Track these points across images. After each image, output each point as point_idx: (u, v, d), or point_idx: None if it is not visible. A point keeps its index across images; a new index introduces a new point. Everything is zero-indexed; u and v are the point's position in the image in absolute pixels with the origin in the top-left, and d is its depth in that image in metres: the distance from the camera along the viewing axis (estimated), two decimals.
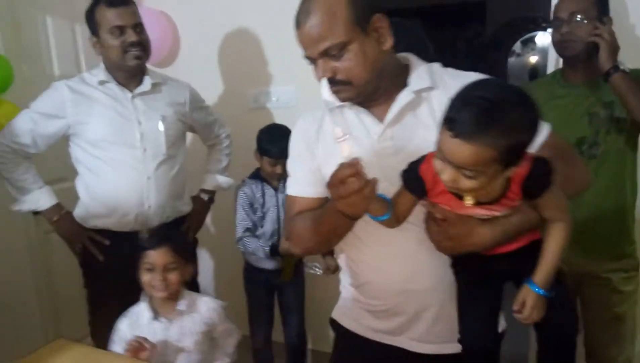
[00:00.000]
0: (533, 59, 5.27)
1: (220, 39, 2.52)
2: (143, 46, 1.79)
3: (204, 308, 1.54)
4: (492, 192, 0.91)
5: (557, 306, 0.99)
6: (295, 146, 1.20)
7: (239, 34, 2.48)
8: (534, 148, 0.96)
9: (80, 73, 2.38)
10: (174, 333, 1.49)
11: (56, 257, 2.34)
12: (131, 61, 1.76)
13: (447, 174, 0.87)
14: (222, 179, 2.18)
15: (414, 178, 0.96)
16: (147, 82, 1.85)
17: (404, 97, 1.06)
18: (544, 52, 5.09)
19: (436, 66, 1.14)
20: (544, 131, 1.03)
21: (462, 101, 0.84)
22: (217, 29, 2.51)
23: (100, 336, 1.88)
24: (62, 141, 1.86)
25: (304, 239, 1.14)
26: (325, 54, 1.01)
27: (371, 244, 1.13)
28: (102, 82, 1.80)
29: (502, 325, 1.14)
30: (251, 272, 2.18)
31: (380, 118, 1.09)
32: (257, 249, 2.04)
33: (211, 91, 2.50)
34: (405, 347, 1.18)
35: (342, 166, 0.88)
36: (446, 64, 1.18)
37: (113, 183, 1.80)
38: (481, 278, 1.03)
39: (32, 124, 1.75)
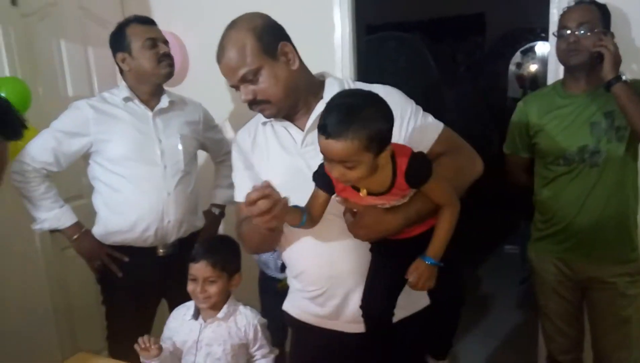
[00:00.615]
0: (533, 68, 5.35)
1: None
2: (172, 60, 1.88)
3: (242, 321, 1.59)
4: (382, 184, 1.08)
5: (447, 281, 1.17)
6: (235, 159, 1.38)
7: None
8: (430, 142, 1.23)
9: (92, 94, 2.47)
10: (206, 336, 1.56)
11: (71, 274, 2.39)
12: (164, 69, 1.86)
13: (335, 171, 1.04)
14: (232, 194, 2.23)
15: (322, 177, 1.12)
16: (164, 100, 1.92)
17: (319, 107, 1.23)
18: (543, 62, 5.17)
19: (347, 81, 1.33)
20: (438, 128, 1.26)
21: (327, 110, 1.03)
22: None
23: (118, 351, 1.92)
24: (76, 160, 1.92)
25: (248, 242, 1.35)
26: (244, 80, 1.20)
27: (301, 236, 1.29)
28: (126, 99, 1.87)
29: (425, 301, 1.32)
30: (265, 281, 2.23)
31: (302, 127, 1.27)
32: (269, 260, 2.10)
33: (218, 108, 2.55)
34: (343, 329, 1.33)
35: (253, 190, 1.03)
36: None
37: (135, 199, 1.85)
38: (392, 259, 1.18)
39: (55, 142, 1.80)
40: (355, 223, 1.17)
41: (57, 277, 2.35)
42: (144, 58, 1.83)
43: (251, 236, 1.31)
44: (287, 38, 1.24)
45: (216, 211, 2.21)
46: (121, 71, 1.92)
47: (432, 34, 4.59)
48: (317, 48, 2.33)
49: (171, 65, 1.87)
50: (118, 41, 1.86)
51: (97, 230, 1.93)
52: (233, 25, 1.23)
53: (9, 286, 2.12)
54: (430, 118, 1.28)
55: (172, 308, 2.05)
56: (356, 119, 0.98)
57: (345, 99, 1.05)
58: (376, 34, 4.47)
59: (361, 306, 1.24)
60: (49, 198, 1.85)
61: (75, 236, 1.90)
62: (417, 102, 1.31)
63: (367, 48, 3.95)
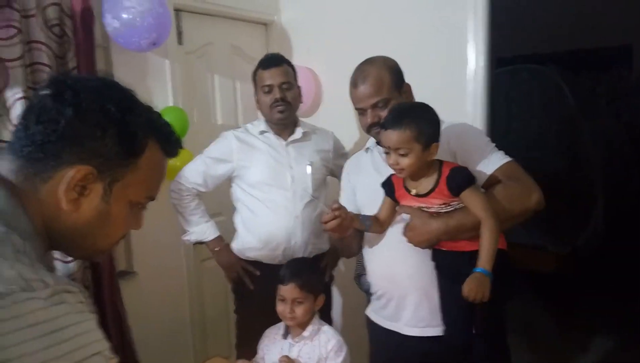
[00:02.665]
0: None
1: None
2: (287, 102, 2.02)
3: (324, 339, 1.70)
4: (427, 185, 1.35)
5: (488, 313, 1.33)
6: (342, 179, 1.78)
7: None
8: (492, 167, 1.42)
9: (237, 122, 2.74)
10: (294, 354, 1.69)
11: (207, 284, 2.63)
12: (276, 115, 2.02)
13: (390, 159, 1.33)
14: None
15: (387, 184, 1.44)
16: (298, 132, 2.09)
17: None
18: None
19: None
20: (502, 159, 1.44)
21: (388, 113, 1.38)
22: None
23: (246, 358, 2.07)
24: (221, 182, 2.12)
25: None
26: (375, 106, 1.49)
27: (370, 240, 1.58)
28: (262, 132, 2.07)
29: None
30: None
31: None
32: (364, 284, 2.14)
33: (347, 137, 2.67)
34: (402, 331, 1.54)
35: (326, 211, 1.40)
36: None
37: (267, 220, 2.02)
38: (455, 280, 1.32)
39: (204, 166, 2.05)
40: (406, 225, 1.41)
41: (195, 286, 2.60)
42: (262, 102, 2.04)
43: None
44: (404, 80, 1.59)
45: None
46: None
47: (569, 66, 4.34)
48: (449, 81, 2.36)
49: (282, 111, 2.00)
50: (254, 83, 2.09)
51: (235, 245, 2.12)
52: (372, 62, 1.56)
53: (156, 292, 2.40)
54: (499, 153, 1.47)
55: None
56: (408, 115, 1.31)
57: (401, 105, 1.42)
58: (509, 67, 4.35)
59: (443, 338, 1.43)
60: (198, 214, 2.08)
61: (216, 249, 2.11)
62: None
63: (499, 80, 3.86)
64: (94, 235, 0.76)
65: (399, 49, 2.53)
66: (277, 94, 2.00)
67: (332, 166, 2.20)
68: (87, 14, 1.92)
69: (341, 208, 1.38)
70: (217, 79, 2.68)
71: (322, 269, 2.17)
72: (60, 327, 0.58)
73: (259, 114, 2.19)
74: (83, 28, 1.92)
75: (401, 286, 1.50)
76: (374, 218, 1.48)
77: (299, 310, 1.66)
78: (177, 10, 2.42)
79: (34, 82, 1.83)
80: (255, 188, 2.04)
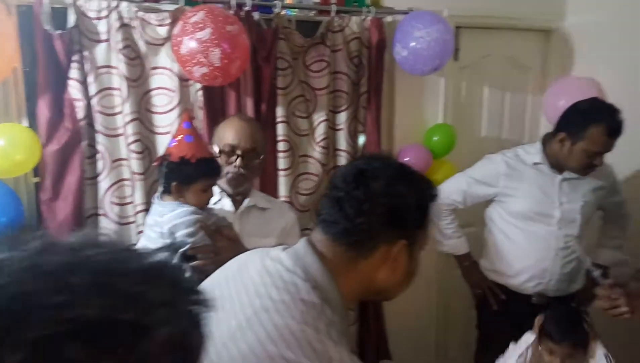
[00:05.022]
0: None
1: None
2: (594, 168, 1.91)
3: None
4: None
5: None
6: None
7: None
8: None
9: (500, 135, 2.73)
10: None
11: (455, 292, 2.69)
12: (582, 171, 1.92)
13: None
14: (617, 255, 2.15)
15: None
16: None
17: None
18: None
19: None
20: None
21: None
22: None
23: None
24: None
25: None
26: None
27: None
28: (536, 164, 2.00)
29: None
30: None
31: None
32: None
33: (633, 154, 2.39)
34: None
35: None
36: None
37: (523, 252, 2.02)
38: None
39: (466, 186, 2.10)
40: None
41: (443, 291, 2.74)
42: (575, 160, 1.88)
43: None
44: None
45: (596, 272, 2.16)
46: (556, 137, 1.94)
47: None
48: None
49: (592, 171, 1.90)
50: (572, 124, 1.88)
51: (483, 264, 2.18)
52: None
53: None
54: None
55: None
56: None
57: None
58: None
59: None
60: (451, 229, 2.18)
61: (465, 264, 2.21)
62: None
63: None
64: (398, 287, 0.96)
65: None
66: (600, 163, 1.88)
67: (604, 203, 2.07)
68: (381, 44, 2.17)
69: (616, 290, 1.34)
70: (487, 91, 2.68)
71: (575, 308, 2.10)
72: None
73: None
74: (376, 57, 2.18)
75: None
76: None
77: None
78: (457, 28, 2.48)
79: (334, 106, 2.20)
80: (515, 217, 2.04)
